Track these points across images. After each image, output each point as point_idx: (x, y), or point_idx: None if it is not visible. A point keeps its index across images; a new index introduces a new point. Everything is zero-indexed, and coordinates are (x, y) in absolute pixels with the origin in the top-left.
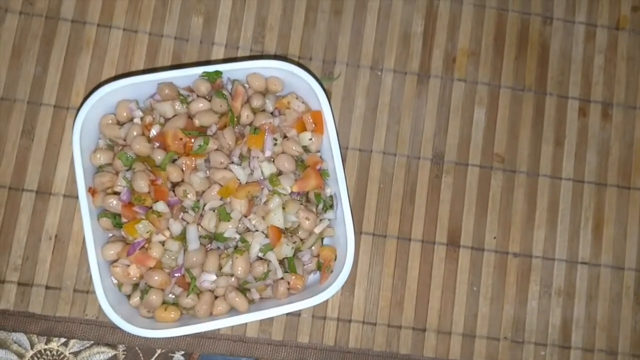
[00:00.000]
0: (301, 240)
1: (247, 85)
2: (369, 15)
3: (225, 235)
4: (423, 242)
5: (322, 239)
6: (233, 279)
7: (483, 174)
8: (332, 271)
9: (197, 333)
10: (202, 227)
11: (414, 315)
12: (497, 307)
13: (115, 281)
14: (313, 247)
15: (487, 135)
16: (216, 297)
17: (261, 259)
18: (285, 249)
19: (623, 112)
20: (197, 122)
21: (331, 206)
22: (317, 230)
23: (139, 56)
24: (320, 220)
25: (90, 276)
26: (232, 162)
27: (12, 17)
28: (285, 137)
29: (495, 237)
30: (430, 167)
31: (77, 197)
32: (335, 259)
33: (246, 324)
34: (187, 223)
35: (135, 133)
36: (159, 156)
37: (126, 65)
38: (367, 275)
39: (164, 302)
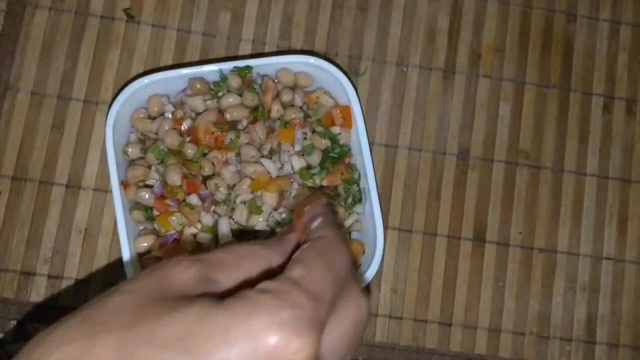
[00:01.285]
0: None
1: (276, 80)
2: (395, 11)
3: (256, 227)
4: (449, 238)
5: (350, 233)
6: None
7: (508, 170)
8: (359, 265)
9: None
10: (233, 220)
11: (440, 310)
12: (523, 303)
13: None
14: None
15: (512, 132)
16: None
17: None
18: None
19: None
20: (228, 116)
21: (360, 200)
22: (346, 223)
23: (167, 52)
24: (349, 214)
25: (121, 268)
26: (263, 156)
27: (42, 13)
28: (314, 131)
29: (520, 233)
30: (456, 163)
31: (107, 191)
32: (364, 253)
33: None
34: (219, 216)
35: (167, 127)
36: (190, 150)
37: (155, 61)
38: (394, 270)
39: None
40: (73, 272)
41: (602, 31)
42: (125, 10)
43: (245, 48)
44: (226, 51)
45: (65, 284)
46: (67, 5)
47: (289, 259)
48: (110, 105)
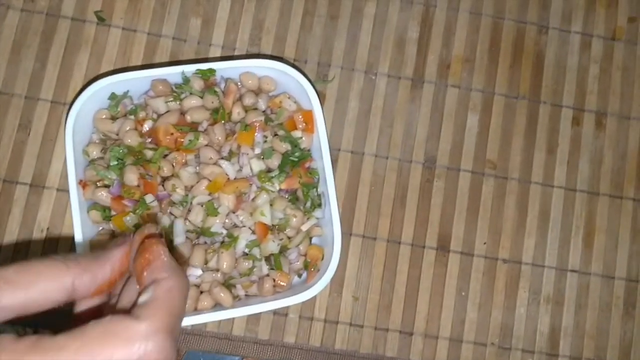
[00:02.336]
0: (288, 238)
1: (240, 84)
2: (365, 20)
3: (212, 230)
4: (413, 246)
5: (311, 238)
6: (219, 275)
7: (475, 180)
8: (318, 270)
9: (182, 328)
10: (189, 221)
11: (402, 319)
12: (485, 313)
13: None
14: (301, 246)
15: (479, 142)
16: (201, 292)
17: (247, 254)
18: (272, 245)
19: (617, 121)
20: (188, 118)
21: (319, 205)
22: (304, 227)
23: (136, 55)
24: (308, 218)
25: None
26: (222, 158)
27: (13, 14)
28: (275, 135)
29: (485, 243)
30: (422, 172)
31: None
32: (323, 258)
33: (233, 321)
34: (175, 217)
35: (128, 127)
36: (150, 151)
37: (124, 63)
38: (356, 277)
39: None
40: None
41: (573, 43)
42: (96, 12)
43: (215, 53)
44: (196, 55)
45: None
46: (38, 7)
47: (109, 280)
48: (71, 104)
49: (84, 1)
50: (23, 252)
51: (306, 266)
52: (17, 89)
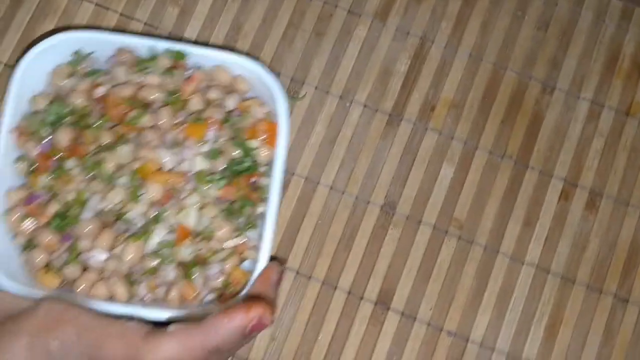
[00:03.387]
0: (214, 252)
1: (211, 77)
2: (352, 43)
3: (127, 216)
4: (349, 294)
5: (243, 260)
6: (124, 267)
7: (435, 237)
8: (234, 295)
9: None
10: (107, 199)
11: None
12: None
13: (10, 229)
14: (227, 265)
15: (449, 196)
16: (102, 279)
17: (157, 254)
18: (184, 251)
19: (612, 206)
20: (142, 94)
21: (255, 226)
22: (227, 244)
23: None
24: (237, 235)
25: None
26: (163, 144)
27: None
28: (232, 138)
29: (431, 309)
30: (378, 215)
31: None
32: (246, 284)
33: None
34: (94, 192)
35: (80, 87)
36: (94, 118)
37: None
38: (279, 316)
39: (47, 265)
40: None
41: (580, 110)
42: None
43: None
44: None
45: None
46: None
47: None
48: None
49: None
50: None
51: (226, 286)
52: None
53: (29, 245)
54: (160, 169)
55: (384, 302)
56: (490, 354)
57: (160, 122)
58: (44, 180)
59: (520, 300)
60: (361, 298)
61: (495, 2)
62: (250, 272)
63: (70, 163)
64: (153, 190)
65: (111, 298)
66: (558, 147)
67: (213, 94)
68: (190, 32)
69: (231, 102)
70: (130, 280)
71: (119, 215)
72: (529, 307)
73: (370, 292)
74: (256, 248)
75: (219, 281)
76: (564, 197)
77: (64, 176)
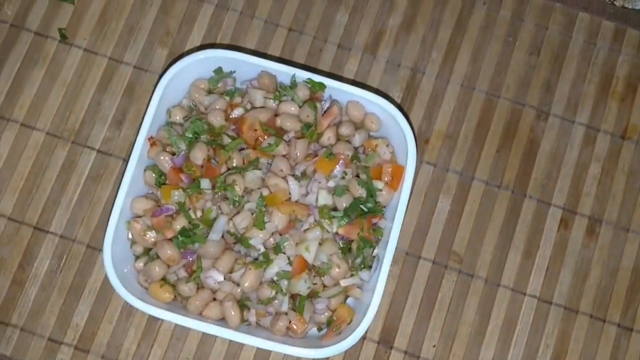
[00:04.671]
0: (324, 286)
1: (343, 111)
2: (345, 75)
3: (251, 242)
4: None
5: (347, 297)
6: (239, 290)
7: (435, 271)
8: (339, 334)
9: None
10: (233, 223)
11: None
12: None
13: (130, 236)
14: (333, 300)
15: (447, 229)
16: (214, 300)
17: (274, 283)
18: (302, 284)
19: (613, 232)
20: (279, 122)
21: (370, 267)
22: (343, 282)
23: (91, 80)
24: (351, 275)
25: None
26: (293, 175)
27: None
28: (357, 176)
29: (434, 346)
30: None
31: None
32: (349, 323)
33: (242, 346)
34: (221, 212)
35: (217, 106)
36: (228, 138)
37: (78, 86)
38: None
39: (163, 279)
40: None
41: (575, 136)
42: (60, 29)
43: None
44: (154, 89)
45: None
46: (4, 16)
47: None
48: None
49: (50, 16)
50: None
51: (329, 323)
52: None
53: (144, 255)
54: (288, 199)
55: (386, 341)
56: None
57: (295, 152)
58: (178, 195)
59: (524, 332)
60: (364, 338)
61: (486, 28)
62: (354, 310)
63: (205, 183)
64: (278, 219)
65: (220, 320)
66: (555, 174)
67: (345, 130)
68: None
69: (358, 139)
70: (241, 304)
71: (242, 240)
72: (532, 339)
73: (373, 331)
74: (362, 288)
75: (324, 316)
76: (564, 225)
77: (197, 194)
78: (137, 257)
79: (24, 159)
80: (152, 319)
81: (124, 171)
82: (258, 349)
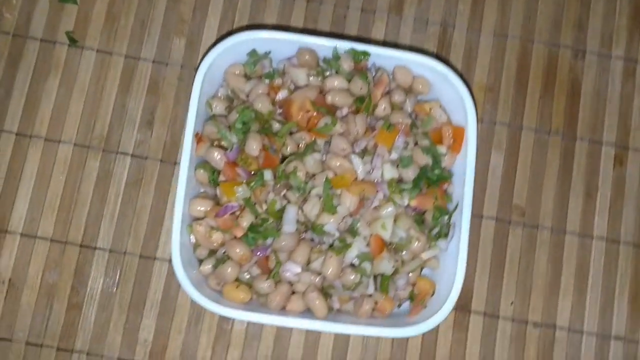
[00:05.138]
0: (402, 261)
1: (391, 77)
2: (374, 38)
3: (325, 228)
4: None
5: (422, 269)
6: (317, 279)
7: (500, 229)
8: (425, 306)
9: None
10: (302, 212)
11: None
12: None
13: (192, 240)
14: (411, 275)
15: (505, 184)
16: (293, 293)
17: (356, 267)
18: (386, 264)
19: None
20: (329, 99)
21: (446, 235)
22: (425, 255)
23: (112, 81)
24: (430, 246)
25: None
26: (354, 153)
27: None
28: (416, 143)
29: (512, 303)
30: None
31: (36, 237)
32: (433, 294)
33: (319, 334)
34: (288, 202)
35: (260, 91)
36: (278, 123)
37: (97, 91)
38: None
39: (237, 279)
40: None
41: (614, 70)
42: (67, 33)
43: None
44: (178, 82)
45: None
46: (4, 26)
47: None
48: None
49: (54, 20)
50: None
51: (411, 298)
52: None
53: (210, 258)
54: (355, 179)
55: (463, 306)
56: (580, 338)
57: (355, 129)
58: (242, 190)
59: (598, 276)
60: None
61: None
62: (433, 282)
63: (268, 174)
64: (350, 201)
65: (305, 312)
66: (601, 112)
67: (397, 97)
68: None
69: (410, 104)
70: (324, 293)
71: (314, 227)
72: (607, 281)
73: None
74: (437, 257)
75: (405, 292)
76: (618, 162)
77: (260, 187)
78: (200, 261)
79: (55, 176)
80: (223, 322)
81: (173, 174)
82: (336, 335)
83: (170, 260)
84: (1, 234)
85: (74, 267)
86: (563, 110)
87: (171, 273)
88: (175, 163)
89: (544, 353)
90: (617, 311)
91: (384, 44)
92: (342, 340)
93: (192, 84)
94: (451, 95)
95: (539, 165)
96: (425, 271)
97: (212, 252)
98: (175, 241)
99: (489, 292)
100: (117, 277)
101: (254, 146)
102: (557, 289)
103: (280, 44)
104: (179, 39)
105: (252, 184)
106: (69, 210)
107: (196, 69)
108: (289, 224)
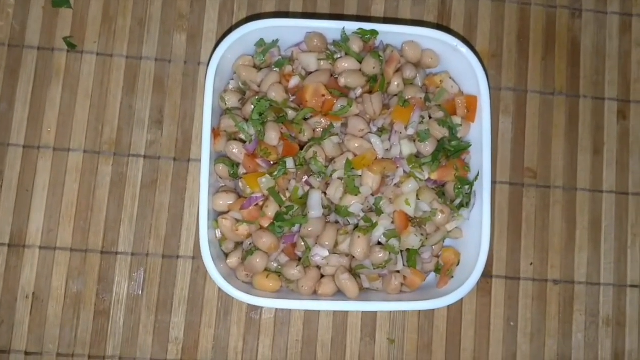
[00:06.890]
0: (427, 234)
1: (400, 54)
2: (374, 15)
3: (350, 209)
4: None
5: (444, 239)
6: (345, 260)
7: (514, 192)
8: (452, 277)
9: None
10: (326, 195)
11: (445, 358)
12: (539, 343)
13: (219, 235)
14: (434, 247)
15: (515, 148)
16: (322, 276)
17: (383, 245)
18: (413, 239)
19: None
20: (342, 81)
21: (467, 204)
22: (449, 227)
23: (116, 83)
24: (454, 217)
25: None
26: (372, 132)
27: None
28: (430, 117)
29: (532, 264)
30: None
31: (55, 248)
32: (458, 264)
33: (346, 314)
34: (311, 188)
35: (272, 80)
36: (293, 111)
37: (102, 94)
38: (389, 318)
39: (266, 269)
40: (22, 343)
41: (611, 26)
42: (65, 39)
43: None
44: (184, 78)
45: (13, 358)
46: None
47: None
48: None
49: (50, 26)
50: (7, 322)
51: (437, 270)
52: None
53: (236, 250)
54: (376, 159)
55: (485, 272)
56: (598, 289)
57: (372, 108)
58: (266, 181)
59: (610, 228)
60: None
61: None
62: (457, 251)
63: (290, 162)
64: (372, 180)
65: (336, 294)
66: (602, 68)
67: (408, 73)
68: (205, 55)
69: (420, 78)
70: (353, 273)
71: (339, 210)
72: (619, 233)
73: None
74: (460, 227)
75: (430, 264)
76: (622, 116)
77: (283, 176)
78: (226, 255)
79: (68, 185)
80: (251, 312)
81: (188, 171)
82: (363, 313)
83: (193, 257)
84: (20, 248)
85: (97, 274)
86: (565, 69)
87: (196, 269)
88: (189, 160)
89: (565, 308)
90: (630, 260)
91: (385, 20)
92: (369, 318)
93: (198, 79)
94: (459, 65)
95: (546, 127)
96: (447, 242)
97: (238, 245)
98: (204, 237)
99: (509, 256)
100: (142, 279)
101: (273, 136)
102: (573, 245)
103: (285, 31)
104: (179, 35)
105: (275, 173)
106: (86, 218)
107: (201, 64)
108: (315, 209)
